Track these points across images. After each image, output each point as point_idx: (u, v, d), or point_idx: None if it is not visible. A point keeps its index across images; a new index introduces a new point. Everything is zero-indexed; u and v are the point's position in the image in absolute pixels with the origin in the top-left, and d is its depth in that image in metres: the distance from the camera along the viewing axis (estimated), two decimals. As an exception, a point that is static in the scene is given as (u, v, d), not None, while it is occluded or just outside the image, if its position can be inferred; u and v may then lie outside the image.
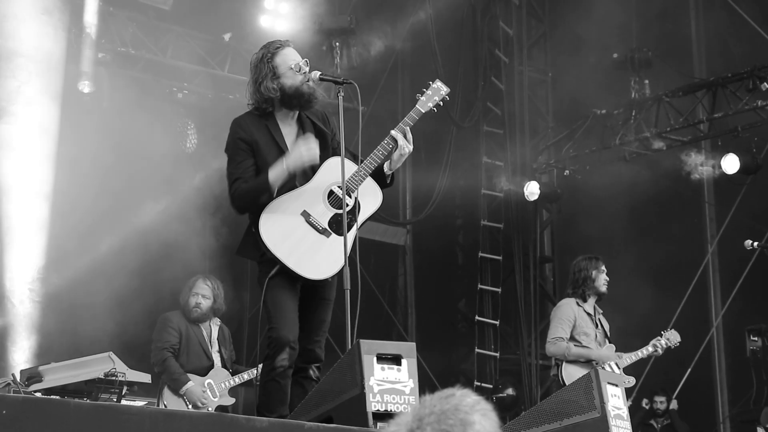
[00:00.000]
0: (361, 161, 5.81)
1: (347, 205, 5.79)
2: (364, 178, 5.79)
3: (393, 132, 5.86)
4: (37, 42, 10.60)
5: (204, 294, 8.83)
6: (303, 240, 5.74)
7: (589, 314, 8.92)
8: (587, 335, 8.82)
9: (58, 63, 10.72)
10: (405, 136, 5.86)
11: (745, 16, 12.56)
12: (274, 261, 5.69)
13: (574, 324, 8.81)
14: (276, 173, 5.69)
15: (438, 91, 6.06)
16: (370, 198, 5.83)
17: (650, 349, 8.99)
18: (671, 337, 9.11)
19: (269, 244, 5.70)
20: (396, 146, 5.84)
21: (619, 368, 8.77)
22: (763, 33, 12.42)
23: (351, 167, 5.81)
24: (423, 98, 6.03)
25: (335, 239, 5.75)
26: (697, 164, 12.98)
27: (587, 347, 8.79)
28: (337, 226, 5.77)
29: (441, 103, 6.05)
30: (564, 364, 8.79)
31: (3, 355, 10.26)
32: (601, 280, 8.96)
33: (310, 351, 5.88)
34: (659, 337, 9.05)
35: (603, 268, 9.02)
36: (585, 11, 13.47)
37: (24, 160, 10.47)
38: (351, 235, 5.75)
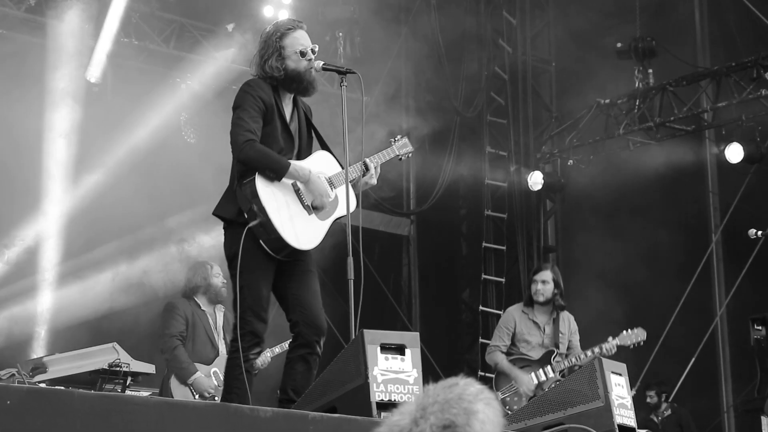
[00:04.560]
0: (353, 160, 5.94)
1: (330, 197, 5.90)
2: (346, 181, 5.86)
3: (367, 160, 6.01)
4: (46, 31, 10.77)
5: (222, 275, 8.90)
6: (289, 206, 5.77)
7: (534, 322, 9.02)
8: (528, 342, 9.00)
9: (65, 53, 10.83)
10: (377, 169, 6.07)
11: (750, 5, 12.53)
12: (254, 218, 5.67)
13: (514, 331, 9.02)
14: (296, 173, 5.75)
15: (406, 146, 6.39)
16: (349, 200, 5.87)
17: (589, 354, 8.93)
18: (630, 337, 9.10)
19: (264, 199, 5.68)
20: (366, 173, 6.00)
21: (553, 371, 8.87)
22: (767, 22, 12.40)
23: (335, 166, 5.96)
24: (395, 144, 6.33)
25: (314, 219, 5.82)
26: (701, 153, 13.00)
27: (523, 356, 8.97)
28: (316, 210, 5.84)
29: (406, 156, 6.37)
30: (497, 372, 9.08)
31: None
32: (533, 290, 9.07)
33: (319, 319, 5.84)
34: (603, 342, 9.00)
35: (536, 277, 9.11)
36: (588, 0, 13.45)
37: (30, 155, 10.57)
38: (328, 223, 5.87)
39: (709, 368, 13.20)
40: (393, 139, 6.35)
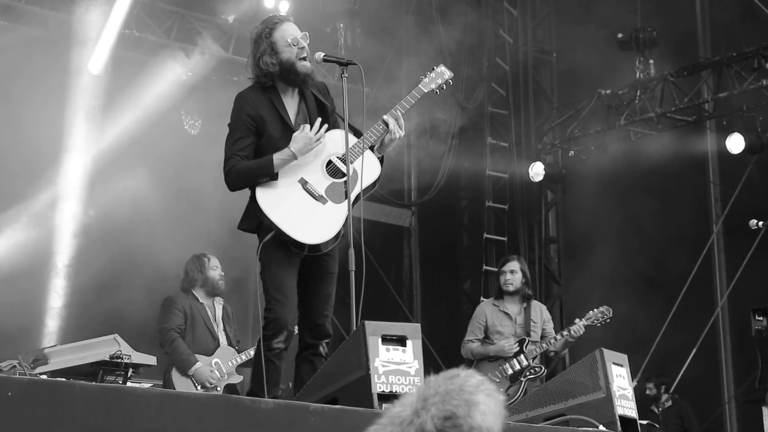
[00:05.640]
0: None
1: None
2: (362, 152, 5.80)
3: (385, 117, 5.89)
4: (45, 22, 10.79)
5: (220, 267, 8.94)
6: (299, 205, 5.75)
7: (506, 313, 9.07)
8: (501, 333, 9.04)
9: (65, 43, 10.87)
10: (398, 121, 5.88)
11: (750, -5, 12.53)
12: (270, 229, 5.71)
13: (486, 324, 9.08)
14: (282, 159, 5.73)
15: (441, 74, 6.12)
16: (367, 170, 5.83)
17: (558, 338, 9.00)
18: (596, 316, 9.11)
19: (265, 208, 5.71)
20: (387, 130, 5.86)
21: (527, 359, 8.91)
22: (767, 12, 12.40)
23: (350, 141, 5.82)
24: (426, 80, 6.09)
25: (331, 206, 5.79)
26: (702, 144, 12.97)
27: (493, 344, 9.03)
28: (333, 194, 5.80)
29: (444, 86, 6.09)
30: (475, 362, 9.05)
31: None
32: (502, 280, 9.14)
33: (320, 326, 5.88)
34: (571, 325, 9.04)
35: (504, 268, 9.18)
36: (589, -9, 13.45)
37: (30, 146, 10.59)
38: (346, 204, 5.78)
39: (711, 359, 13.20)
40: (424, 75, 6.10)
